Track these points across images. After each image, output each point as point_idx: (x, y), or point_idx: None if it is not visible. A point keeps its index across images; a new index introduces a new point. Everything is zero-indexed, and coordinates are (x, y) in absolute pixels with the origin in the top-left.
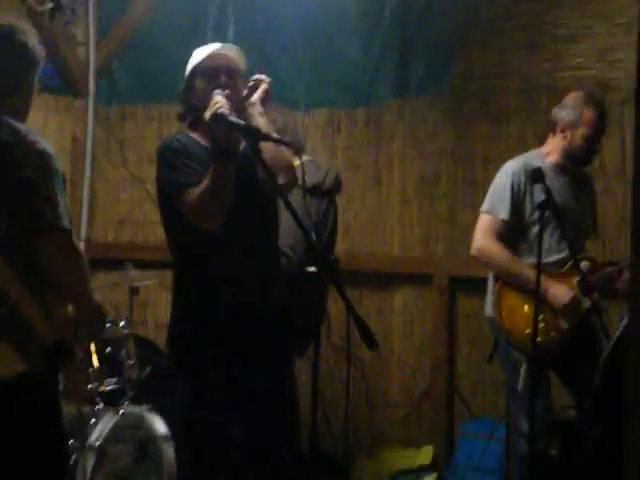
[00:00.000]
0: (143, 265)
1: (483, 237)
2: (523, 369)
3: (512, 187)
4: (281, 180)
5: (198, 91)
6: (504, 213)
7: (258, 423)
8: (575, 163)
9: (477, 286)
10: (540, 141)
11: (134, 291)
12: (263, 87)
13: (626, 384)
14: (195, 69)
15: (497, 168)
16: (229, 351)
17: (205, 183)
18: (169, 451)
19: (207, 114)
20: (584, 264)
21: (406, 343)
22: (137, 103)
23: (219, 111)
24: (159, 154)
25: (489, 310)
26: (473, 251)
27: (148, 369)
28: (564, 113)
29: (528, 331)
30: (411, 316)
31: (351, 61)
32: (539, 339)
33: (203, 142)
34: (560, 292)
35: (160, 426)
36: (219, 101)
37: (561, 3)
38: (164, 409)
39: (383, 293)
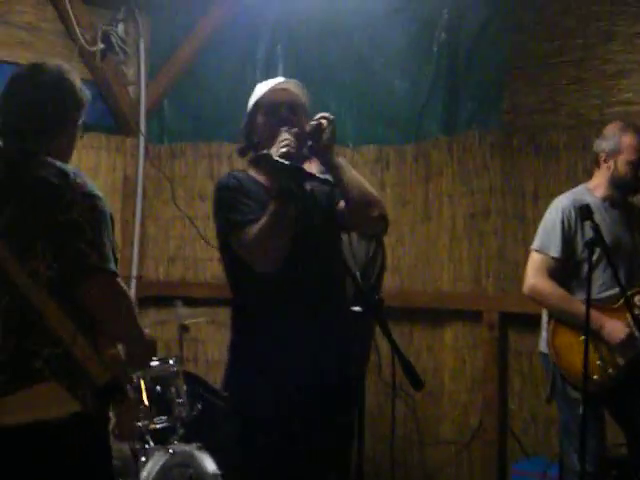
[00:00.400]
0: (193, 302)
1: (535, 275)
2: (581, 407)
3: (562, 224)
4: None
5: (260, 126)
6: (555, 251)
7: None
8: (623, 193)
9: (528, 322)
10: (590, 177)
11: (184, 328)
12: (331, 127)
13: None
14: (257, 104)
15: (547, 204)
16: (289, 404)
17: (263, 221)
18: None
19: (273, 151)
20: (638, 298)
21: (457, 380)
22: (187, 141)
23: (283, 150)
24: (215, 192)
25: (543, 347)
26: (526, 289)
27: (198, 406)
28: (604, 144)
29: (581, 369)
30: (462, 352)
31: (400, 97)
32: (596, 377)
33: (261, 179)
34: (615, 328)
35: (210, 464)
36: (287, 139)
37: (610, 38)
38: (214, 447)
39: (434, 329)
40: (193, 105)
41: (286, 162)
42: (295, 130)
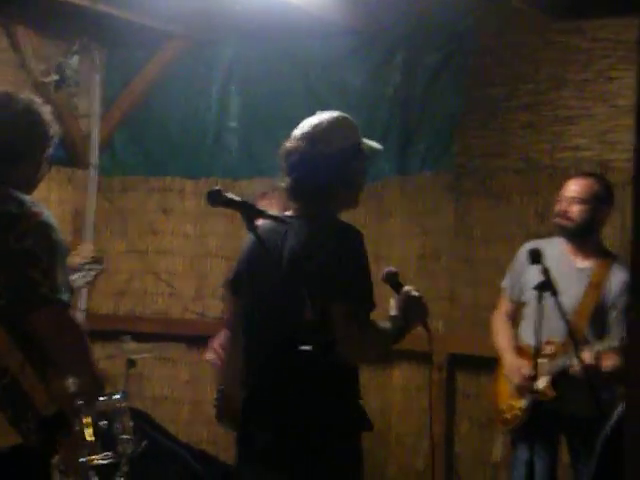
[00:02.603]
0: (141, 337)
1: (495, 312)
2: (499, 441)
3: (514, 266)
4: None
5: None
6: (509, 290)
7: None
8: (574, 238)
9: (476, 364)
10: (541, 221)
11: (131, 363)
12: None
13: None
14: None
15: (496, 247)
16: None
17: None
18: None
19: None
20: (549, 348)
21: (405, 421)
22: (139, 175)
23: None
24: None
25: None
26: None
27: (143, 443)
28: None
29: (502, 406)
30: (410, 393)
31: None
32: (507, 415)
33: None
34: (512, 371)
35: None
36: None
37: (561, 84)
38: None
39: (383, 369)
40: (145, 139)
41: (236, 198)
42: None
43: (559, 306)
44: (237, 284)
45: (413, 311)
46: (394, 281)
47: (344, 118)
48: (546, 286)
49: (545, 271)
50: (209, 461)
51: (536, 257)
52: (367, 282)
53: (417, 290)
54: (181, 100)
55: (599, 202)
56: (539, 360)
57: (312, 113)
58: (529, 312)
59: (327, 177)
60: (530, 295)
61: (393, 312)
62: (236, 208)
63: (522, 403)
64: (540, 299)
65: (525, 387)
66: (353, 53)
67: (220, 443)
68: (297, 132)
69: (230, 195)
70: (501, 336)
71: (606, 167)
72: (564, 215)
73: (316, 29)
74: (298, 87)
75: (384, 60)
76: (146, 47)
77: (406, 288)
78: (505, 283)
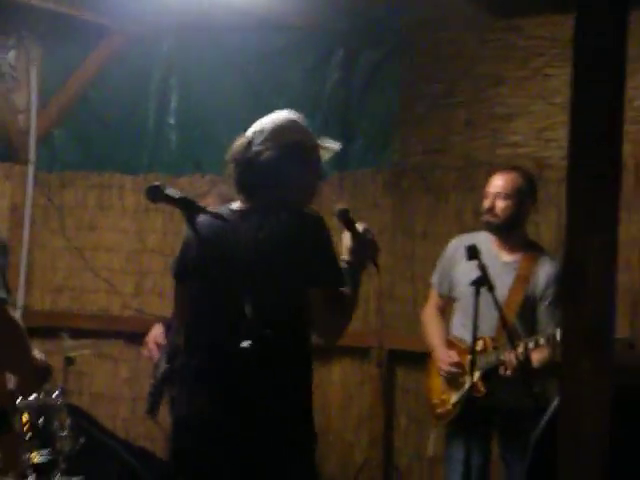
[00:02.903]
0: (79, 334)
1: (425, 307)
2: (432, 437)
3: (443, 258)
4: None
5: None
6: (435, 279)
7: None
8: (500, 233)
9: (415, 360)
10: (478, 217)
11: (69, 360)
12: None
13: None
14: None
15: (435, 243)
16: None
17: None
18: None
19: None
20: (480, 344)
21: (344, 417)
22: (77, 170)
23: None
24: (325, 230)
25: None
26: None
27: (81, 440)
28: None
29: (435, 401)
30: (349, 389)
31: None
32: (439, 410)
33: None
34: (443, 361)
35: None
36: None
37: (500, 82)
38: None
39: (322, 366)
40: (84, 135)
41: (176, 194)
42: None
43: (495, 301)
44: (185, 274)
45: (366, 250)
46: (346, 217)
47: (295, 119)
48: (483, 282)
49: (482, 267)
50: (147, 458)
51: (473, 253)
52: (338, 263)
53: (366, 227)
54: (120, 95)
55: (523, 196)
56: (468, 357)
57: (250, 109)
58: (461, 307)
59: (277, 174)
60: (463, 290)
61: (347, 257)
62: (176, 204)
63: (454, 398)
64: (477, 295)
65: (455, 376)
66: (292, 49)
67: (158, 440)
68: (250, 130)
69: (170, 191)
70: (431, 330)
71: (543, 164)
72: (490, 211)
73: (255, 25)
74: (237, 83)
75: (323, 56)
76: (84, 42)
77: (359, 226)
78: (434, 278)
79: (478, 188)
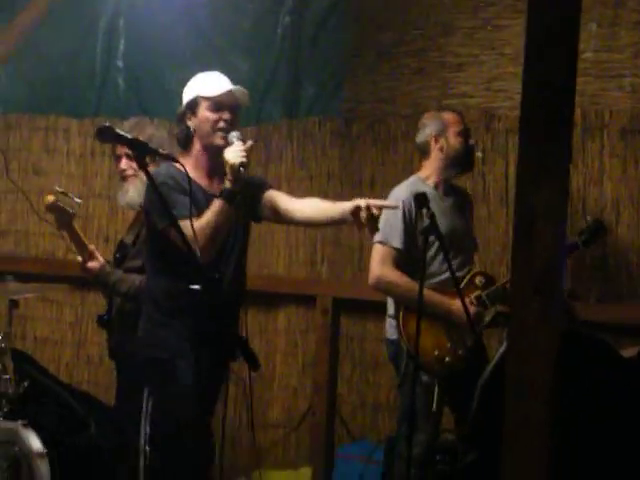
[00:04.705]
0: (24, 277)
1: (380, 267)
2: (436, 391)
3: (404, 216)
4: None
5: (202, 119)
6: (397, 242)
7: None
8: (457, 170)
9: (360, 308)
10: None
11: (13, 304)
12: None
13: (504, 411)
14: (205, 98)
15: (384, 191)
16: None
17: (209, 217)
18: (44, 468)
19: (230, 156)
20: (479, 279)
21: (289, 363)
22: (23, 112)
23: (244, 160)
24: (152, 186)
25: (391, 334)
26: (371, 281)
27: (25, 384)
28: (428, 129)
29: (437, 352)
30: (294, 336)
31: (241, 79)
32: (447, 359)
33: (200, 181)
34: (455, 307)
35: (35, 442)
36: (247, 150)
37: (450, 31)
38: (40, 425)
39: (267, 313)
40: (30, 76)
41: (128, 135)
42: (250, 144)
43: (445, 250)
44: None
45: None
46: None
47: None
48: (431, 231)
49: (431, 215)
50: (90, 402)
51: (422, 201)
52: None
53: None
54: (67, 37)
55: None
56: (476, 292)
57: (200, 54)
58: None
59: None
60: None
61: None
62: (127, 145)
63: (467, 341)
64: (425, 243)
65: (475, 323)
66: None
67: (102, 384)
68: None
69: (121, 131)
70: (414, 286)
71: (491, 115)
72: None
73: None
74: (186, 27)
75: (274, 2)
76: None
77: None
78: (397, 243)
79: None
